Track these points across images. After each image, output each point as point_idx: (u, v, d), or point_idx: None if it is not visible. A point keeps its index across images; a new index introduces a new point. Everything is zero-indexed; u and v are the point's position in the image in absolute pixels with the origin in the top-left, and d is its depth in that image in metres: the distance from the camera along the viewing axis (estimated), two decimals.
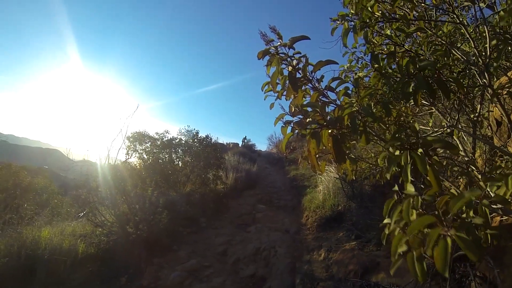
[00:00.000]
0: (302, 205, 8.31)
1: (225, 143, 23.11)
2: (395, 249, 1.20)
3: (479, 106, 2.37)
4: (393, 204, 1.38)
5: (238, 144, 24.94)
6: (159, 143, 8.61)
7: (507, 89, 2.15)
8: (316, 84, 1.55)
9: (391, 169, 1.22)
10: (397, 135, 1.30)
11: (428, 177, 1.24)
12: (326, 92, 1.52)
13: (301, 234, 6.34)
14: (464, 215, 1.16)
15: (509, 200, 1.16)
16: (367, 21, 1.82)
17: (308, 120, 1.35)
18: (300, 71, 1.54)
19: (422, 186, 1.66)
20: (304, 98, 1.57)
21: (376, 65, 1.67)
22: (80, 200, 5.69)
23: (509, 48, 2.51)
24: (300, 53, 1.58)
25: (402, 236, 1.19)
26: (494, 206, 1.21)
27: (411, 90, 1.35)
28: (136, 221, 5.31)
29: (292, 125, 1.40)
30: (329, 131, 1.34)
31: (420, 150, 1.17)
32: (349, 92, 1.54)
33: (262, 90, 1.72)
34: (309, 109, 1.42)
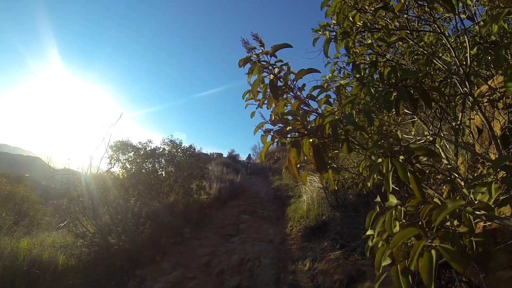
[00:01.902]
0: (286, 215, 8.32)
1: (208, 153, 22.96)
2: (379, 262, 1.18)
3: (460, 114, 2.39)
4: (375, 215, 1.37)
5: (222, 154, 24.84)
6: (142, 152, 8.53)
7: (488, 97, 2.18)
8: (298, 93, 1.53)
9: (372, 177, 1.20)
10: (379, 143, 1.28)
11: (410, 185, 1.23)
12: (308, 101, 1.50)
13: (286, 244, 6.31)
14: (448, 223, 1.15)
15: (493, 206, 1.15)
16: (349, 30, 1.82)
17: (288, 128, 1.33)
18: (281, 80, 1.52)
19: (406, 195, 1.65)
20: (285, 107, 1.55)
21: (357, 75, 1.67)
22: (60, 210, 5.55)
23: (489, 57, 2.55)
24: (282, 61, 1.56)
25: (385, 249, 1.18)
26: (478, 213, 1.21)
27: (392, 99, 1.34)
28: (119, 232, 5.21)
29: (272, 133, 1.37)
30: (310, 140, 1.32)
31: (401, 157, 1.16)
32: (331, 101, 1.52)
33: (243, 99, 1.70)
34: (290, 117, 1.39)
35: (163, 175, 8.97)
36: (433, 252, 0.95)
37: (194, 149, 10.01)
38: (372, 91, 1.44)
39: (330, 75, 2.51)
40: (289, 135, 1.33)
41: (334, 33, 1.86)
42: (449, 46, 1.97)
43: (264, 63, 1.55)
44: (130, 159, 8.30)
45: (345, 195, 6.52)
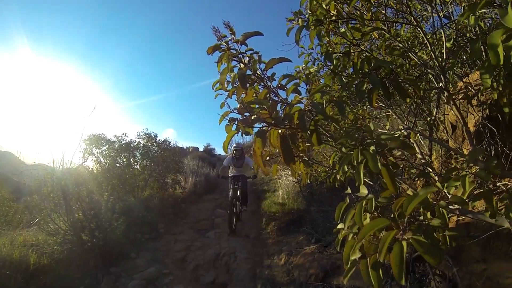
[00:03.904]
0: (261, 209, 8.28)
1: (184, 147, 22.70)
2: (348, 256, 1.14)
3: (435, 110, 2.40)
4: (345, 207, 1.33)
5: (198, 148, 24.51)
6: (116, 146, 8.30)
7: (463, 93, 2.19)
8: (268, 83, 1.48)
9: (342, 168, 1.15)
10: (350, 133, 1.24)
11: (383, 178, 1.19)
12: (277, 91, 1.45)
13: (261, 238, 6.30)
14: (421, 217, 1.12)
15: (467, 200, 1.13)
16: (322, 19, 1.78)
17: (253, 117, 1.27)
18: (251, 68, 1.46)
19: (379, 189, 1.63)
20: (254, 97, 1.50)
21: (330, 65, 1.63)
22: (31, 207, 5.36)
23: (464, 55, 2.58)
24: (253, 50, 1.51)
25: (355, 241, 1.13)
26: (451, 207, 1.18)
27: (365, 89, 1.31)
28: (92, 228, 5.05)
29: (236, 122, 1.31)
30: (279, 130, 1.27)
31: (372, 147, 1.11)
32: (301, 90, 1.47)
33: (213, 88, 1.64)
34: (257, 106, 1.34)
35: (138, 169, 8.76)
36: (404, 243, 0.91)
37: (169, 142, 9.89)
38: (344, 80, 1.40)
39: (303, 65, 2.47)
40: (258, 125, 1.28)
41: (307, 22, 1.82)
42: (425, 41, 1.97)
43: (234, 52, 1.50)
44: (104, 153, 8.07)
45: (320, 189, 6.56)
